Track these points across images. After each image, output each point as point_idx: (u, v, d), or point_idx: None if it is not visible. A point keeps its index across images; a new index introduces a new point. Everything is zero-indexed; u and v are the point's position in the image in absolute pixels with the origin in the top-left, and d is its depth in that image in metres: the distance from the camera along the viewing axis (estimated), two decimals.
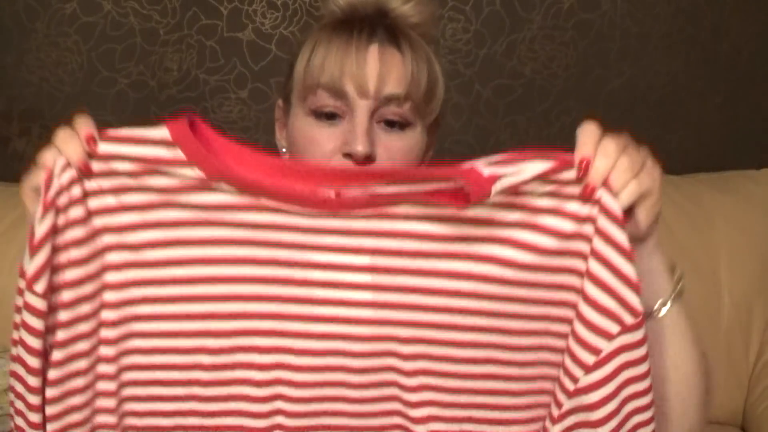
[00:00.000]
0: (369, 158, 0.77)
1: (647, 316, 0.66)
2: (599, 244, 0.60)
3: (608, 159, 0.62)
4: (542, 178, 0.60)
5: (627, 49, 1.54)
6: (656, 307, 0.68)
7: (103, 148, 0.65)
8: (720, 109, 1.60)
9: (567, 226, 0.61)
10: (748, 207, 1.40)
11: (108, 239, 0.64)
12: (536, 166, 0.59)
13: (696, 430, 0.74)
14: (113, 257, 0.64)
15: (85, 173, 0.64)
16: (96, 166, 0.65)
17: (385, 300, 0.63)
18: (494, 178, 0.59)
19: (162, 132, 0.64)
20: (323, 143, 0.79)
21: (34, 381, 0.63)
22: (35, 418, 0.63)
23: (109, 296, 0.65)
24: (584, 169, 0.60)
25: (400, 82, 0.78)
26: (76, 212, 0.63)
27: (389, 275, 0.63)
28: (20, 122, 1.53)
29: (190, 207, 0.63)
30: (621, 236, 0.59)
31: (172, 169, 0.63)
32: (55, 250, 0.62)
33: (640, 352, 0.61)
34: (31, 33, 1.49)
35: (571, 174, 0.60)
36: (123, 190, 0.64)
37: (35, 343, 0.62)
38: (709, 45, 1.56)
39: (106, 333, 0.65)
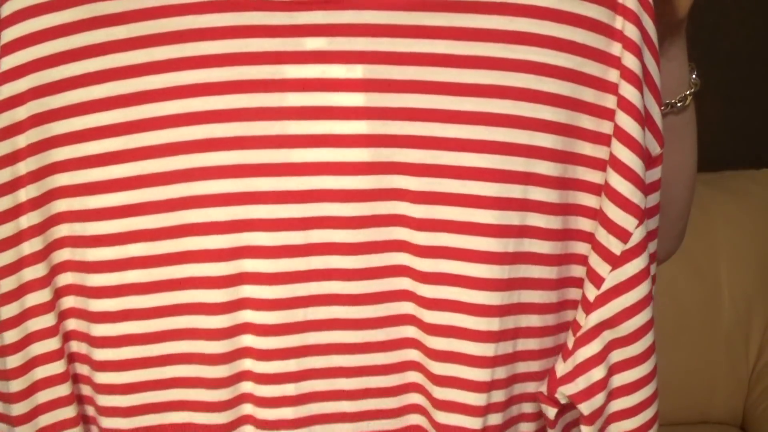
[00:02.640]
0: None
1: (672, 107, 0.58)
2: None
3: None
4: None
5: None
6: (680, 97, 0.57)
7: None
8: (720, 109, 1.60)
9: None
10: (748, 207, 1.40)
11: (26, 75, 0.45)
12: None
13: (680, 237, 0.65)
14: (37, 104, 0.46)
15: None
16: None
17: (386, 132, 0.44)
18: None
19: None
20: None
21: None
22: None
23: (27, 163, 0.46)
24: None
25: None
26: None
27: (391, 94, 0.44)
28: None
29: (123, 18, 0.45)
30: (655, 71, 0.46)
31: None
32: None
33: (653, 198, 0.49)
34: None
35: None
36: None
37: None
38: (709, 45, 1.56)
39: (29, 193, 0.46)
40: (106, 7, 0.45)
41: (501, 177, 0.45)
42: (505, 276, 0.46)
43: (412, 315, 0.47)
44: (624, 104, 0.45)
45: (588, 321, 0.47)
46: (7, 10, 0.46)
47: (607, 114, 0.46)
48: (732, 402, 1.36)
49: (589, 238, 0.48)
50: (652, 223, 0.50)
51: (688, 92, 0.59)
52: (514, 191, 0.45)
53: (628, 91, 0.45)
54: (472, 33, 0.44)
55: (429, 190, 0.45)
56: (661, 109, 0.50)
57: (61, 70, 0.45)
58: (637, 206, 0.46)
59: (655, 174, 0.49)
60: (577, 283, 0.48)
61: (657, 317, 0.57)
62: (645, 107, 0.46)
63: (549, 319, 0.48)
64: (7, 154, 0.46)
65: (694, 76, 0.60)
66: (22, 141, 0.46)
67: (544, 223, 0.46)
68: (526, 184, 0.45)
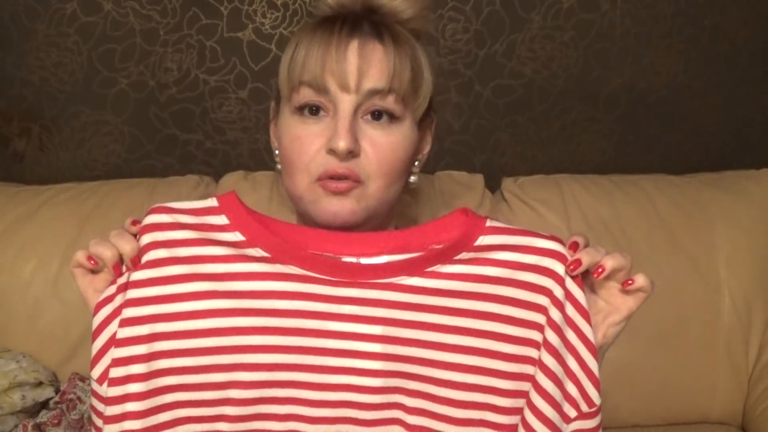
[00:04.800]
0: (352, 153, 0.77)
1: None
2: (569, 333, 0.70)
3: (595, 252, 0.72)
4: (530, 237, 0.72)
5: (627, 49, 1.54)
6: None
7: (152, 218, 0.72)
8: (720, 109, 1.60)
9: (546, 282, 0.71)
10: (748, 207, 1.40)
11: (143, 311, 0.70)
12: (528, 232, 0.73)
13: None
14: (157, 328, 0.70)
15: (136, 264, 0.71)
16: (144, 239, 0.71)
17: (393, 369, 0.70)
18: (487, 218, 0.73)
19: (210, 202, 0.73)
20: (308, 141, 0.78)
21: None
22: None
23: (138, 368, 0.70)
24: (574, 246, 0.72)
25: (381, 75, 0.78)
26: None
27: (399, 346, 0.69)
28: (20, 122, 1.53)
29: (225, 277, 0.70)
30: (587, 330, 0.71)
31: (215, 234, 0.71)
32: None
33: None
34: (31, 33, 1.49)
35: (554, 246, 0.72)
36: (165, 263, 0.70)
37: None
38: (709, 45, 1.56)
39: (135, 404, 0.70)
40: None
41: (467, 406, 0.70)
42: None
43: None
44: (547, 347, 0.70)
45: None
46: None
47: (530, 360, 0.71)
48: (732, 402, 1.36)
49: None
50: None
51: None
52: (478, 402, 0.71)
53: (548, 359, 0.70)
54: (453, 311, 0.70)
55: (420, 407, 0.71)
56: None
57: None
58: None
59: (591, 423, 0.71)
60: None
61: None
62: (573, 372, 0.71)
63: None
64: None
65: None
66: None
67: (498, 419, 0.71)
68: (485, 410, 0.71)
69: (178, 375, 0.70)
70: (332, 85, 0.77)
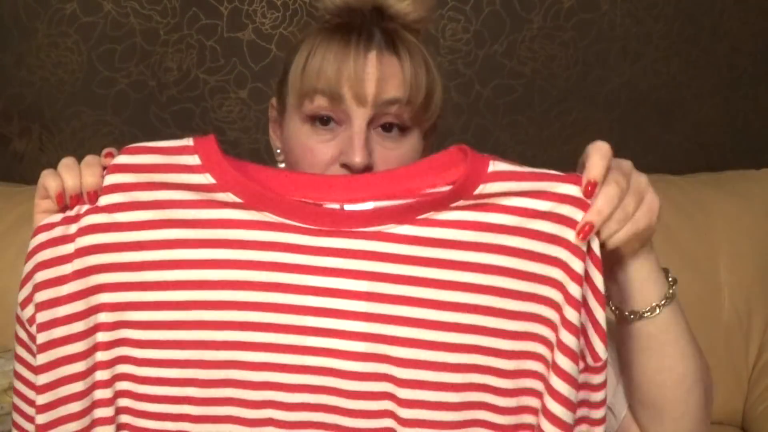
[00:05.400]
0: (367, 168, 0.77)
1: (639, 317, 0.69)
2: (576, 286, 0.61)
3: (610, 205, 0.62)
4: (544, 182, 0.62)
5: (627, 49, 1.54)
6: (647, 308, 0.69)
7: (121, 159, 0.65)
8: (720, 109, 1.60)
9: (553, 229, 0.62)
10: (748, 207, 1.40)
11: (101, 259, 0.64)
12: (541, 175, 0.63)
13: (700, 428, 0.74)
14: (108, 278, 0.64)
15: (93, 199, 0.64)
16: (108, 179, 0.64)
17: (380, 332, 0.62)
18: (491, 158, 0.63)
19: (186, 141, 0.65)
20: (320, 153, 0.77)
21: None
22: None
23: (104, 317, 0.64)
24: (589, 193, 0.62)
25: (399, 88, 0.77)
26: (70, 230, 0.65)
27: (385, 304, 0.61)
28: (20, 122, 1.53)
29: (192, 224, 0.63)
30: (599, 280, 0.61)
31: (182, 176, 0.63)
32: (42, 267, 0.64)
33: (599, 395, 0.64)
34: (31, 33, 1.49)
35: (572, 191, 0.62)
36: (122, 208, 0.64)
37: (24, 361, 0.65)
38: (709, 45, 1.56)
39: (102, 356, 0.65)
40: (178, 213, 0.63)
41: (465, 369, 0.62)
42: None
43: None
44: (566, 324, 0.60)
45: None
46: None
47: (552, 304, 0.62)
48: (732, 402, 1.36)
49: (538, 376, 0.63)
50: (599, 413, 0.65)
51: (655, 303, 0.69)
52: (473, 378, 0.63)
53: (570, 314, 0.60)
54: (450, 263, 0.62)
55: (410, 378, 0.62)
56: (627, 315, 0.69)
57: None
58: (573, 403, 0.61)
59: (597, 378, 0.63)
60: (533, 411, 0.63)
61: None
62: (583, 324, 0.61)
63: None
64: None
65: (671, 290, 0.70)
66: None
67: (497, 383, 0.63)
68: (485, 373, 0.63)
69: (138, 329, 0.64)
70: (348, 96, 0.76)
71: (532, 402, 0.63)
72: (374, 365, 0.62)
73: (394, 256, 0.62)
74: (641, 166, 0.70)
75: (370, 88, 0.76)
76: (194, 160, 0.63)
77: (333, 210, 0.63)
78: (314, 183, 0.65)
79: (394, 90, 0.77)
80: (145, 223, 0.63)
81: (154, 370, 0.64)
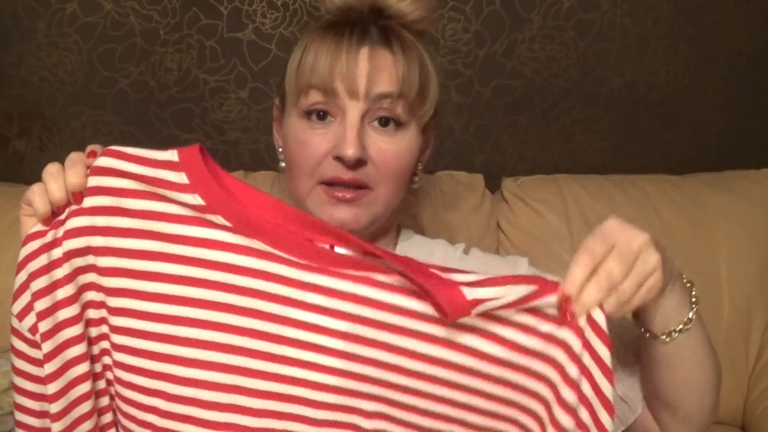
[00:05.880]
0: (360, 161, 0.77)
1: (655, 337, 0.69)
2: (585, 357, 0.59)
3: (599, 292, 0.59)
4: (523, 303, 0.59)
5: (627, 49, 1.54)
6: (664, 333, 0.69)
7: (104, 161, 0.64)
8: (720, 109, 1.60)
9: (546, 328, 0.60)
10: (748, 207, 1.40)
11: (86, 260, 0.64)
12: (519, 290, 0.58)
13: (711, 419, 0.76)
14: (90, 278, 0.64)
15: (78, 199, 0.64)
16: (91, 181, 0.64)
17: (352, 370, 0.62)
18: (476, 303, 0.57)
19: (170, 155, 0.63)
20: (315, 146, 0.78)
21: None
22: None
23: (92, 314, 0.65)
24: (563, 310, 0.58)
25: (390, 82, 0.78)
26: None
27: (362, 346, 0.61)
28: (20, 122, 1.53)
29: (178, 240, 0.62)
30: (605, 353, 0.58)
31: (171, 193, 0.62)
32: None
33: None
34: (31, 33, 1.49)
35: (552, 300, 0.59)
36: (106, 212, 0.63)
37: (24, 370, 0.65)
38: (709, 45, 1.56)
39: (96, 350, 0.66)
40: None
41: (436, 417, 0.62)
42: None
43: None
44: (561, 403, 0.60)
45: None
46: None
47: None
48: (732, 402, 1.36)
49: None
50: None
51: (673, 328, 0.69)
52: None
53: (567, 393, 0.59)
54: (430, 318, 0.60)
55: (380, 411, 0.62)
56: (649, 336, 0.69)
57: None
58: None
59: None
60: None
61: None
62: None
63: None
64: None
65: (691, 314, 0.69)
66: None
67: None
68: (454, 425, 0.62)
69: (120, 335, 0.64)
70: (341, 90, 0.77)
71: None
72: (344, 399, 0.62)
73: (377, 302, 0.61)
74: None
75: (361, 82, 0.76)
76: (181, 178, 0.62)
77: (323, 249, 0.62)
78: (309, 222, 0.64)
79: (386, 84, 0.77)
80: (128, 231, 0.63)
81: (126, 374, 0.65)
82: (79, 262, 0.64)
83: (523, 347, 0.59)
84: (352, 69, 0.76)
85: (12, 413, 1.24)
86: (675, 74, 1.56)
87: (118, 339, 0.64)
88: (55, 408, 0.63)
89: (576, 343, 0.59)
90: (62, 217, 0.64)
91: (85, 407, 0.65)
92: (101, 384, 0.67)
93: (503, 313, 0.59)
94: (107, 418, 0.68)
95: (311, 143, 0.79)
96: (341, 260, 0.61)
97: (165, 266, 0.63)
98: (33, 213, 0.65)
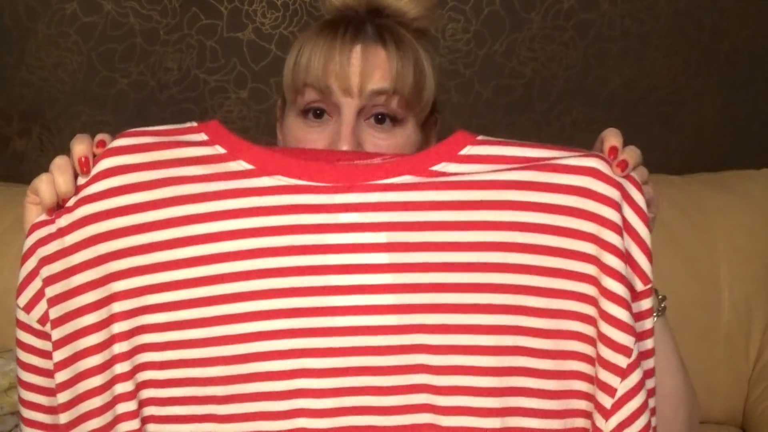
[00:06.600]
0: None
1: None
2: (625, 208, 0.61)
3: (638, 156, 0.64)
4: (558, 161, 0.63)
5: (627, 49, 1.54)
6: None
7: (121, 141, 0.65)
8: (720, 109, 1.60)
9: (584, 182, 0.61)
10: (748, 207, 1.40)
11: (110, 246, 0.62)
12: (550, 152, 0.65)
13: None
14: (120, 264, 0.62)
15: (85, 170, 0.63)
16: (105, 163, 0.64)
17: (405, 282, 0.60)
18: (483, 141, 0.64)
19: (188, 124, 0.66)
20: (311, 143, 0.79)
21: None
22: None
23: (118, 307, 0.62)
24: (613, 153, 0.64)
25: (384, 78, 0.78)
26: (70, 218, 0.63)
27: (406, 253, 0.60)
28: (20, 122, 1.53)
29: (201, 198, 0.61)
30: (640, 200, 0.61)
31: (190, 149, 0.63)
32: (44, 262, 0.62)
33: (648, 323, 0.62)
34: (31, 33, 1.49)
35: (591, 160, 0.63)
36: (121, 191, 0.62)
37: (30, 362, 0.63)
38: (709, 45, 1.56)
39: (119, 348, 0.62)
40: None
41: (494, 310, 0.60)
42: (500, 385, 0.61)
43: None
44: (609, 247, 0.59)
45: (609, 424, 0.60)
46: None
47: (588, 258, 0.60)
48: (732, 402, 1.36)
49: (583, 357, 0.61)
50: (648, 343, 0.63)
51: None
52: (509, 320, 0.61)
53: (611, 237, 0.59)
54: (469, 204, 0.60)
55: (441, 323, 0.60)
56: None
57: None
58: (632, 327, 0.59)
59: (643, 304, 0.61)
60: (581, 395, 0.62)
61: None
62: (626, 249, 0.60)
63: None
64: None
65: (662, 305, 0.74)
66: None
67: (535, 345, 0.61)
68: (519, 314, 0.60)
69: (157, 312, 0.62)
70: (335, 88, 0.77)
71: (579, 367, 0.62)
72: (403, 317, 0.60)
73: (411, 203, 0.60)
74: None
75: (355, 80, 0.77)
76: (200, 137, 0.64)
77: (345, 165, 0.62)
78: (323, 153, 0.67)
79: (380, 80, 0.78)
80: (149, 203, 0.62)
81: (175, 352, 0.62)
82: (102, 248, 0.62)
83: (562, 207, 0.60)
84: (345, 67, 0.77)
85: (12, 413, 1.24)
86: (675, 74, 1.56)
87: (159, 317, 0.62)
88: (62, 398, 0.62)
89: (615, 194, 0.60)
90: (70, 204, 0.62)
91: (96, 402, 0.63)
92: (129, 386, 0.63)
93: (538, 177, 0.61)
94: (125, 426, 0.63)
95: (308, 141, 0.79)
96: (366, 171, 0.61)
97: (195, 228, 0.61)
98: (38, 202, 0.64)
